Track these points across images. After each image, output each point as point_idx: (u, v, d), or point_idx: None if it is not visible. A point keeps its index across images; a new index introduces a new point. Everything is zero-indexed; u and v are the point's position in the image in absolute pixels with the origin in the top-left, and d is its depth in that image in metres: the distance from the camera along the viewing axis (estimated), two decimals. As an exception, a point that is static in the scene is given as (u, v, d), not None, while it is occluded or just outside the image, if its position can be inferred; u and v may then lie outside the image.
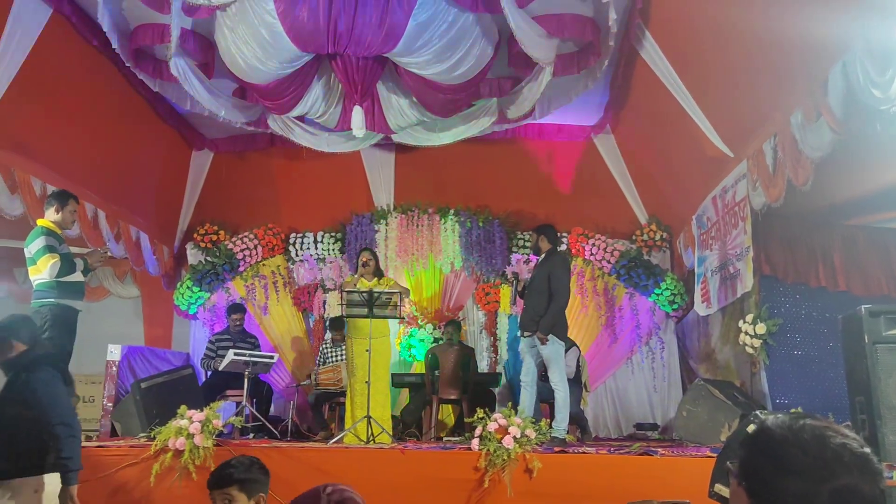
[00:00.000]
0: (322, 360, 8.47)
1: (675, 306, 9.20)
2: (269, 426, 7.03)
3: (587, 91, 7.83)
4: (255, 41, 6.56)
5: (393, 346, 8.04)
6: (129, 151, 8.52)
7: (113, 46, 6.83)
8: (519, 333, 6.86)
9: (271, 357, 7.44)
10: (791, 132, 5.55)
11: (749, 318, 6.89)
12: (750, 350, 6.91)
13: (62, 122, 7.19)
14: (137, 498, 5.14)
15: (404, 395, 8.87)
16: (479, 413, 5.30)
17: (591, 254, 9.45)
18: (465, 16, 6.49)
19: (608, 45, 6.94)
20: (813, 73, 5.07)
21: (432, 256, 9.61)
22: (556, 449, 5.49)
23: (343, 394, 7.33)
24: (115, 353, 7.26)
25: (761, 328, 6.73)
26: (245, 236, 9.67)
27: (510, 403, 5.61)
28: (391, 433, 6.59)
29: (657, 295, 9.24)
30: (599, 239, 9.46)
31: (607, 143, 9.68)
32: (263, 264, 9.75)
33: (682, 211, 8.75)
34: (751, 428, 1.55)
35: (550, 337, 6.40)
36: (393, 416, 7.32)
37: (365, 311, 6.42)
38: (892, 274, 7.31)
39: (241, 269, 9.62)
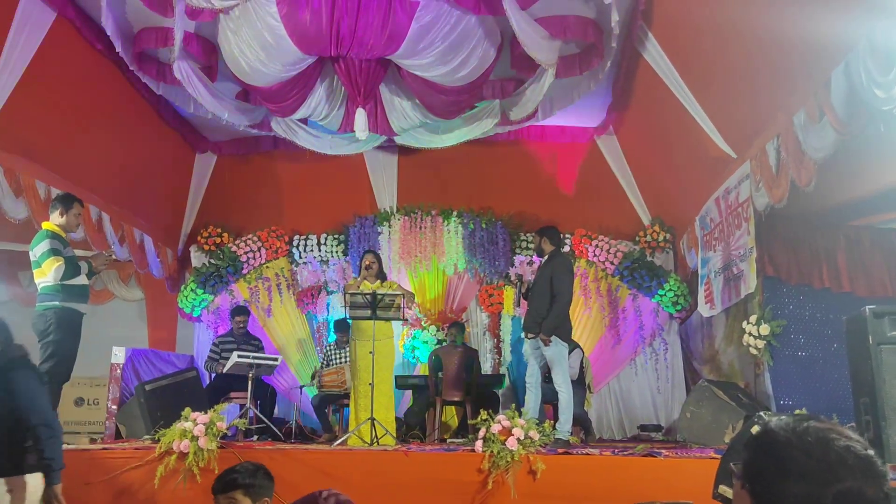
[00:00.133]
0: (326, 361, 8.48)
1: (678, 307, 9.19)
2: (273, 428, 7.04)
3: (590, 92, 7.84)
4: (258, 44, 6.57)
5: (396, 348, 8.04)
6: (133, 154, 8.54)
7: (117, 50, 6.85)
8: (523, 335, 6.86)
9: (275, 359, 7.45)
10: (794, 133, 5.54)
11: (753, 319, 6.88)
12: (754, 351, 6.90)
13: (66, 126, 7.21)
14: (142, 500, 5.15)
15: (408, 396, 8.87)
16: (483, 415, 5.29)
17: (595, 255, 9.45)
18: (468, 18, 6.50)
19: (610, 47, 6.95)
20: (816, 74, 5.06)
21: (435, 258, 9.61)
22: (560, 450, 5.49)
23: (347, 396, 7.34)
24: (119, 355, 7.28)
25: (765, 329, 6.72)
26: (248, 239, 9.68)
27: (514, 405, 5.61)
28: (395, 435, 6.59)
29: (661, 296, 9.22)
30: (603, 240, 9.45)
31: (610, 145, 9.68)
32: (267, 267, 9.76)
33: (685, 212, 8.74)
34: (755, 429, 1.55)
35: (553, 338, 6.40)
36: (397, 418, 7.31)
37: (368, 313, 6.43)
38: (896, 275, 7.30)
39: (244, 271, 9.63)
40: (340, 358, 8.30)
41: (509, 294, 9.41)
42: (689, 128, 7.12)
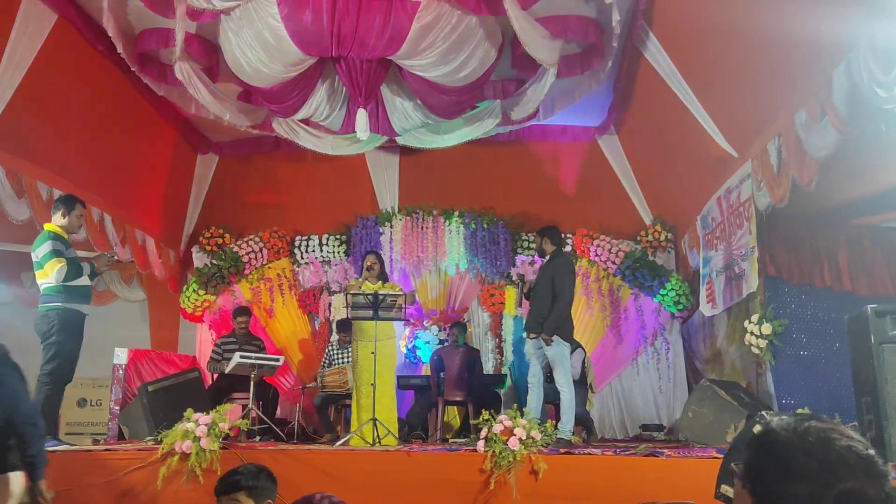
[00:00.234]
0: (328, 362, 8.48)
1: (680, 307, 9.19)
2: (276, 428, 7.05)
3: (591, 92, 7.83)
4: (260, 45, 6.57)
5: (398, 349, 8.05)
6: (135, 155, 8.55)
7: (118, 51, 6.86)
8: (525, 335, 6.87)
9: (277, 360, 7.45)
10: (795, 132, 5.54)
11: (754, 318, 6.88)
12: (756, 350, 6.90)
13: (68, 127, 7.22)
14: (145, 501, 5.15)
15: (410, 397, 8.87)
16: (485, 415, 5.29)
17: (596, 255, 9.45)
18: (469, 18, 6.49)
19: (611, 47, 6.95)
20: (817, 73, 5.06)
21: (437, 258, 9.61)
22: (562, 450, 5.49)
23: (349, 396, 7.35)
24: (121, 356, 7.29)
25: (767, 329, 6.72)
26: (250, 239, 9.69)
27: (516, 405, 5.61)
28: (397, 435, 6.60)
29: (662, 296, 9.22)
30: (604, 240, 9.45)
31: (611, 144, 9.68)
32: (269, 267, 9.78)
33: (686, 211, 8.74)
34: (756, 429, 1.56)
35: (555, 338, 6.40)
36: (399, 419, 7.32)
37: (370, 313, 6.44)
38: (898, 274, 7.30)
39: (246, 272, 9.64)
40: (343, 358, 8.31)
41: (511, 294, 9.41)
42: (691, 127, 7.12)
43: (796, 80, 5.49)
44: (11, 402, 3.69)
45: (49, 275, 5.69)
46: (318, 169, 9.71)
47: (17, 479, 3.69)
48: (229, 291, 9.66)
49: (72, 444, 5.90)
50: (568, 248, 9.36)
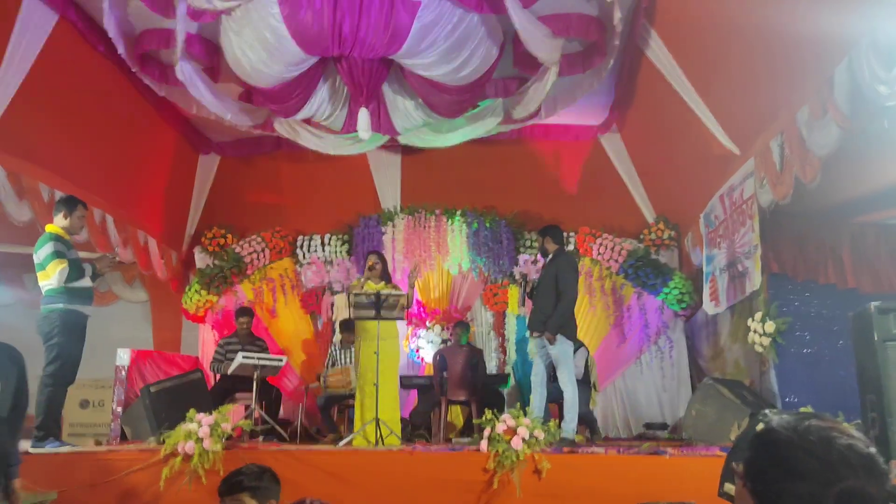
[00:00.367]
0: (331, 362, 8.48)
1: (683, 305, 9.17)
2: (279, 429, 7.05)
3: (593, 91, 7.81)
4: (260, 44, 6.57)
5: (401, 348, 8.04)
6: (137, 156, 8.55)
7: (119, 52, 6.86)
8: (528, 334, 6.86)
9: (280, 360, 7.45)
10: (798, 129, 5.53)
11: (758, 316, 6.86)
12: (759, 349, 6.89)
13: (69, 128, 7.22)
14: (147, 502, 5.15)
15: (413, 396, 8.87)
16: (488, 414, 5.29)
17: (599, 253, 9.44)
18: (470, 17, 6.48)
19: (613, 45, 6.93)
20: (819, 70, 5.05)
21: (439, 258, 9.60)
22: (565, 449, 5.49)
23: (352, 396, 7.34)
24: (124, 357, 7.29)
25: (770, 326, 6.70)
26: (252, 239, 9.69)
27: (519, 404, 5.60)
28: (400, 435, 6.59)
29: (665, 294, 9.21)
30: (607, 238, 9.44)
31: (614, 143, 9.66)
32: (271, 267, 9.78)
33: (689, 209, 8.73)
34: (759, 427, 1.55)
35: (559, 337, 6.40)
36: (402, 418, 7.31)
37: (372, 313, 6.43)
38: (901, 271, 7.28)
39: (248, 272, 9.64)
40: (346, 358, 8.30)
41: (514, 293, 9.40)
42: (693, 125, 7.11)
43: (798, 78, 5.48)
44: None
45: (51, 276, 5.69)
46: (320, 169, 9.70)
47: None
48: (231, 292, 9.66)
49: (74, 445, 5.91)
50: (570, 247, 9.36)
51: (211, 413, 5.40)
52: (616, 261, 9.36)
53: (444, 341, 9.20)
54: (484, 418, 5.29)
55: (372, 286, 6.90)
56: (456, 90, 7.23)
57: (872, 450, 1.28)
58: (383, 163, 9.93)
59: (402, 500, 5.06)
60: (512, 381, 9.20)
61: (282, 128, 8.43)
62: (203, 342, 9.73)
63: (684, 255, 9.42)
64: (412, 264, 8.71)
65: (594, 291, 9.46)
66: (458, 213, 9.67)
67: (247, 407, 7.27)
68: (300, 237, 9.86)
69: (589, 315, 9.38)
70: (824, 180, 5.39)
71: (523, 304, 7.26)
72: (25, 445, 5.34)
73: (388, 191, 9.97)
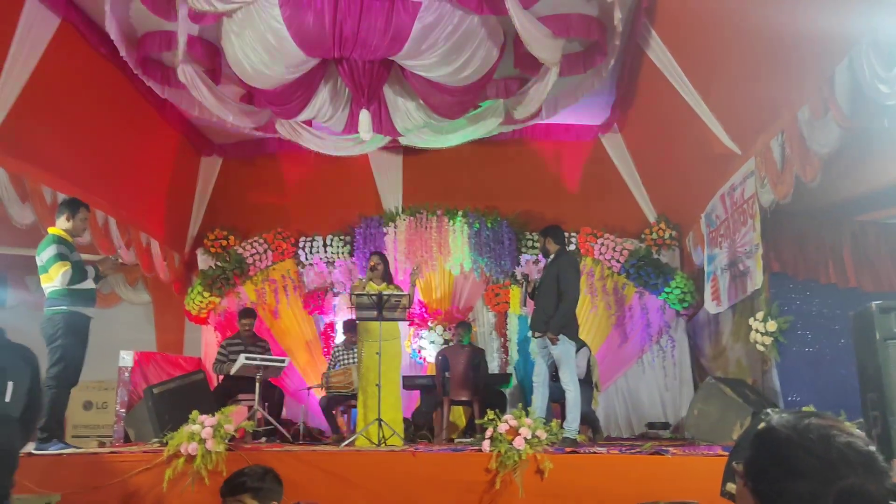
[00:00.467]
0: (333, 362, 8.49)
1: (685, 305, 9.18)
2: (282, 430, 7.05)
3: (594, 90, 7.83)
4: (262, 46, 6.58)
5: (403, 349, 8.05)
6: (139, 158, 8.57)
7: (121, 54, 6.87)
8: (530, 334, 6.86)
9: (282, 360, 7.46)
10: (798, 128, 5.53)
11: (759, 315, 6.86)
12: (761, 348, 6.88)
13: (72, 130, 7.23)
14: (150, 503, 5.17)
15: (415, 397, 8.88)
16: (490, 414, 5.29)
17: (600, 253, 9.44)
18: (471, 18, 6.49)
19: (614, 45, 6.94)
20: (819, 70, 5.05)
21: (441, 258, 9.61)
22: (568, 449, 5.49)
23: (354, 396, 7.35)
24: (127, 359, 7.30)
25: (772, 325, 6.70)
26: (255, 241, 9.71)
27: (521, 404, 5.61)
28: (402, 435, 6.60)
29: (667, 294, 9.21)
30: (608, 238, 9.44)
31: (615, 143, 9.67)
32: (273, 268, 9.79)
33: (690, 209, 8.73)
34: (761, 426, 1.56)
35: (561, 337, 6.41)
36: (404, 419, 7.33)
37: (374, 314, 6.44)
38: (902, 269, 7.28)
39: (251, 273, 9.66)
40: (349, 358, 8.31)
41: (515, 293, 9.40)
42: (694, 125, 7.11)
43: (799, 77, 5.48)
44: None
45: (54, 278, 5.69)
46: (322, 170, 9.72)
47: None
48: (234, 293, 9.67)
49: (78, 447, 5.91)
50: (572, 247, 9.36)
51: (214, 414, 5.40)
52: (617, 260, 9.37)
53: (446, 342, 9.21)
54: (486, 418, 5.29)
55: (374, 287, 6.91)
56: (457, 91, 7.24)
57: (872, 448, 1.29)
58: (385, 164, 9.94)
59: (404, 501, 5.06)
60: (514, 381, 9.20)
61: (283, 129, 8.44)
62: (206, 343, 9.74)
63: (686, 255, 9.42)
64: (415, 263, 8.72)
65: (596, 291, 9.47)
66: (460, 213, 9.68)
67: (249, 408, 7.27)
68: (302, 238, 9.87)
69: (591, 315, 9.38)
70: (825, 179, 5.40)
71: (525, 305, 7.27)
72: (29, 447, 5.36)
73: (390, 191, 9.98)
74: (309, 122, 8.37)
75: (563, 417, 6.55)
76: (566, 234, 7.93)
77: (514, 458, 4.99)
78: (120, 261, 6.74)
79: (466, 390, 8.12)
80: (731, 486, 3.27)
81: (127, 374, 7.23)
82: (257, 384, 7.03)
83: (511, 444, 5.03)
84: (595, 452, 5.51)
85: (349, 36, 6.37)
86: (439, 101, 7.48)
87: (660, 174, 9.33)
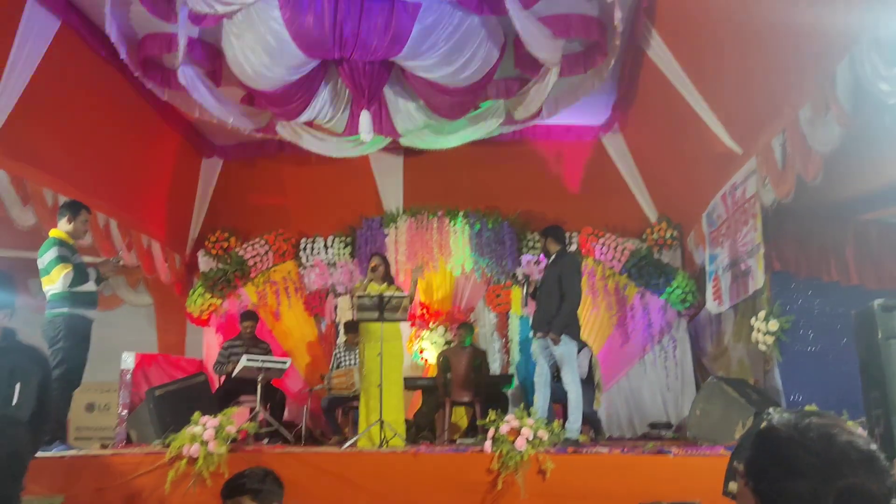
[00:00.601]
0: (335, 364, 8.48)
1: (686, 304, 9.16)
2: (283, 431, 7.05)
3: (594, 91, 7.82)
4: (262, 48, 6.59)
5: (405, 350, 8.05)
6: (140, 160, 8.58)
7: (121, 57, 6.88)
8: (531, 334, 6.86)
9: (284, 362, 7.45)
10: (800, 127, 5.53)
11: (761, 314, 6.85)
12: (763, 347, 6.87)
13: (72, 133, 7.24)
14: (153, 505, 5.17)
15: (417, 398, 8.87)
16: (492, 415, 5.29)
17: (602, 253, 9.43)
18: (471, 18, 6.50)
19: (614, 45, 6.94)
20: (820, 68, 5.05)
21: (442, 259, 9.60)
22: (570, 450, 5.48)
23: (356, 398, 7.34)
24: (129, 361, 7.30)
25: (774, 325, 6.69)
26: (256, 242, 9.70)
27: (523, 405, 5.60)
28: (404, 436, 6.59)
29: (668, 293, 9.20)
30: (609, 238, 9.43)
31: (616, 143, 9.67)
32: (274, 270, 9.78)
33: (692, 209, 8.72)
34: (762, 425, 1.55)
35: (563, 337, 6.40)
36: (406, 420, 7.32)
37: (375, 315, 6.44)
38: (905, 268, 7.27)
39: (252, 275, 9.65)
40: (350, 360, 8.30)
41: (517, 294, 9.39)
42: (695, 124, 7.10)
43: (800, 76, 5.47)
44: None
45: (55, 281, 5.69)
46: (323, 171, 9.72)
47: None
48: (235, 295, 9.66)
49: (80, 449, 5.92)
50: (573, 247, 9.35)
51: (215, 416, 5.40)
52: (619, 261, 9.35)
53: (447, 343, 9.20)
54: (488, 419, 5.28)
55: (375, 288, 6.90)
56: (457, 91, 7.24)
57: (873, 447, 1.28)
58: (385, 165, 9.94)
59: (406, 502, 5.06)
60: (515, 381, 9.19)
61: (284, 131, 8.45)
62: (207, 345, 9.72)
63: (687, 255, 9.41)
64: (416, 263, 8.72)
65: (597, 291, 9.46)
66: (461, 214, 9.68)
67: (251, 409, 7.27)
68: (303, 240, 9.87)
69: (592, 315, 9.37)
70: (826, 178, 5.39)
71: (526, 305, 7.26)
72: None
73: (391, 192, 9.98)
74: (310, 124, 8.37)
75: (564, 418, 6.54)
76: (567, 235, 7.92)
77: (515, 459, 4.99)
78: (121, 263, 6.75)
79: (468, 391, 8.12)
80: (733, 486, 3.26)
81: (129, 376, 7.23)
82: (259, 386, 7.04)
83: (513, 445, 5.03)
84: (597, 453, 5.50)
85: (349, 37, 6.37)
86: (440, 101, 7.48)
87: (661, 174, 9.32)
